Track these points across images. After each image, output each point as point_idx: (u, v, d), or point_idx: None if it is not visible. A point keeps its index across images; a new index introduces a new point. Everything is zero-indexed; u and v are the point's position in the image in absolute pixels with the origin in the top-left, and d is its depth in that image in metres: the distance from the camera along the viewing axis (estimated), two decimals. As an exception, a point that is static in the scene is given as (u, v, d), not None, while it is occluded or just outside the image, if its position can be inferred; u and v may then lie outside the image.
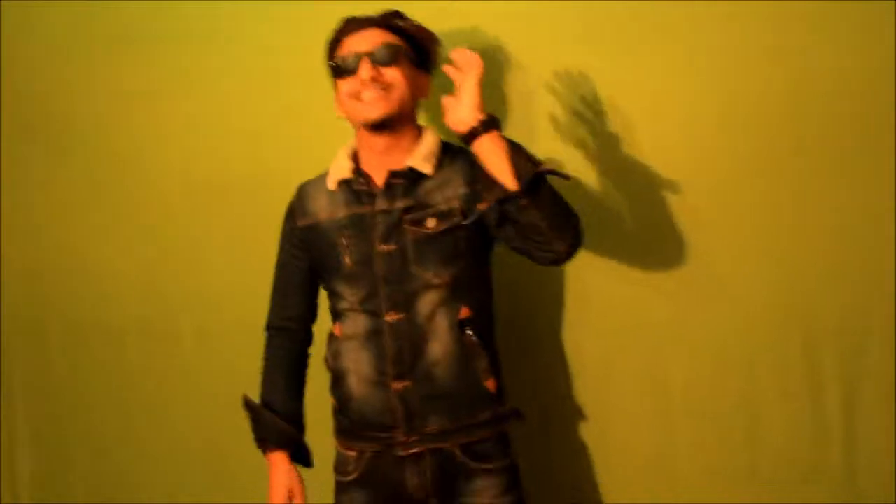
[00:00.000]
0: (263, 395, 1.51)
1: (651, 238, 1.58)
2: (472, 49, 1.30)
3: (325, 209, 1.43)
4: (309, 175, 1.51)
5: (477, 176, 1.31)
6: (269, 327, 1.54)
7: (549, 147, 1.56)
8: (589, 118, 1.56)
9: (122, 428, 1.97)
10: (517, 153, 1.26)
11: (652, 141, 1.55)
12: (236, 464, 1.79)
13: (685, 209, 1.54)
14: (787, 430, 1.53)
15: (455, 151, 1.42)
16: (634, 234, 1.59)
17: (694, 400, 1.57)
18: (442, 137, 1.43)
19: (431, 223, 1.35)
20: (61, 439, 2.04)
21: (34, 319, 2.04)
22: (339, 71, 1.38)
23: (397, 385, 1.34)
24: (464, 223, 1.34)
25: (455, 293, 1.36)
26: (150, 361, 1.94)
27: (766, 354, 1.53)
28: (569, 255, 1.30)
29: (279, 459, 1.47)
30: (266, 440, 1.47)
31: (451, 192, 1.37)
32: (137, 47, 1.88)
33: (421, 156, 1.38)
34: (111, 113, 1.93)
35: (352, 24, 1.40)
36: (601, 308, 1.60)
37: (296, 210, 1.48)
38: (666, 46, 1.54)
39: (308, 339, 1.55)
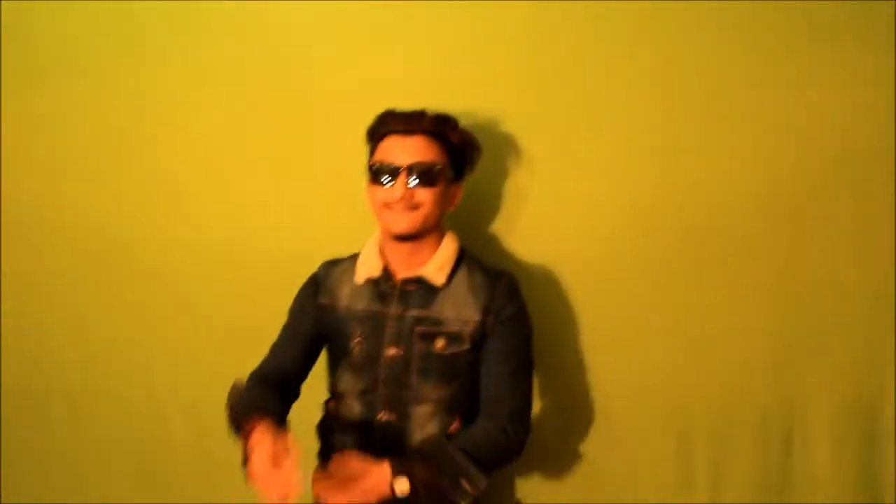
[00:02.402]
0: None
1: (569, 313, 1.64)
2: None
3: (346, 297, 1.47)
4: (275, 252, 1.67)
5: (492, 307, 1.39)
6: (252, 376, 1.46)
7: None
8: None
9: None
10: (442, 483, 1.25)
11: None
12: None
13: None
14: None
15: (475, 265, 1.46)
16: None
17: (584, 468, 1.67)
18: (462, 245, 1.47)
19: (440, 343, 1.40)
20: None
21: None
22: (375, 177, 1.40)
23: None
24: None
25: (449, 406, 1.42)
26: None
27: (647, 439, 1.63)
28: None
29: (261, 426, 1.22)
30: (247, 414, 1.28)
31: (465, 313, 1.40)
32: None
33: (434, 266, 1.42)
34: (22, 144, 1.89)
35: (398, 123, 1.40)
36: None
37: (320, 285, 1.51)
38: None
39: (295, 392, 1.49)
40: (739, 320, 1.59)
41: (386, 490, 1.25)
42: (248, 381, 1.45)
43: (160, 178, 1.84)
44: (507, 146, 1.63)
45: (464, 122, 1.47)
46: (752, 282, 1.57)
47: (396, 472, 1.25)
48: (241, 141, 1.77)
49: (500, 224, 1.67)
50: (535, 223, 1.65)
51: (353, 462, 1.31)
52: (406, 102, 1.44)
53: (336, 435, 1.47)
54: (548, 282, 1.64)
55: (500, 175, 1.65)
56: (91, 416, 1.92)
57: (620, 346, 1.64)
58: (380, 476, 1.26)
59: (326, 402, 1.53)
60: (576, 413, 1.67)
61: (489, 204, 1.67)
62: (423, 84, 1.64)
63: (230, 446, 1.32)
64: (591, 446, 1.68)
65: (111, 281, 1.89)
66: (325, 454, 1.49)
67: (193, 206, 1.82)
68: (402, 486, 1.25)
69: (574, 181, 1.62)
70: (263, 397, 1.39)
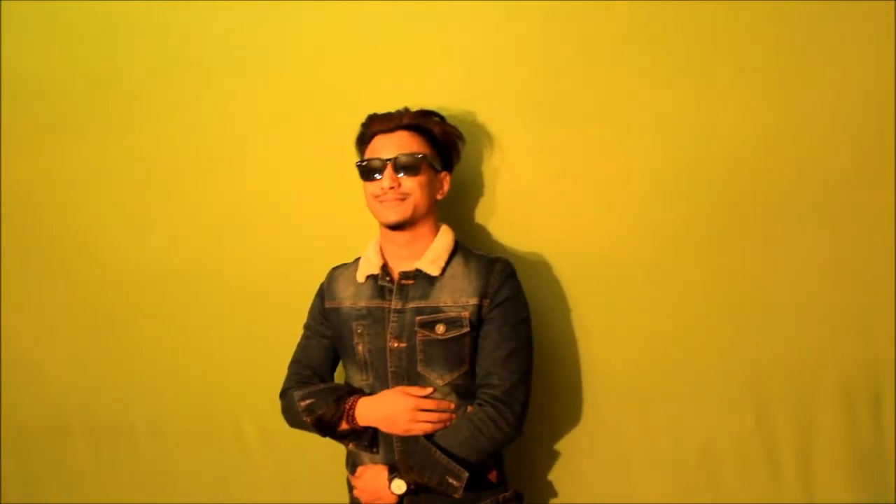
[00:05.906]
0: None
1: (613, 300, 1.64)
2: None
3: (349, 297, 1.54)
4: (259, 274, 1.83)
5: (488, 291, 1.44)
6: (285, 390, 1.59)
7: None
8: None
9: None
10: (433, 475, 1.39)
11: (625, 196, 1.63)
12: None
13: (646, 272, 1.62)
14: (746, 490, 1.61)
15: (470, 255, 1.52)
16: (595, 298, 1.65)
17: (653, 454, 1.66)
18: (457, 238, 1.54)
19: (440, 329, 1.45)
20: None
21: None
22: (365, 174, 1.50)
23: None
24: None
25: (460, 392, 1.46)
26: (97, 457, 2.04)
27: (722, 419, 1.61)
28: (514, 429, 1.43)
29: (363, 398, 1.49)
30: (341, 396, 1.48)
31: (462, 299, 1.45)
32: (87, 130, 1.95)
33: (429, 258, 1.49)
34: (61, 200, 1.99)
35: (380, 124, 1.51)
36: (561, 362, 1.66)
37: (325, 292, 1.60)
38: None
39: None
40: (815, 284, 1.56)
41: (387, 492, 1.44)
42: (293, 390, 1.56)
43: (214, 216, 1.92)
44: (494, 140, 1.69)
45: (457, 116, 1.60)
46: (823, 244, 1.55)
47: (391, 477, 1.43)
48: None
49: (498, 219, 1.72)
50: (532, 216, 1.69)
51: (367, 469, 1.49)
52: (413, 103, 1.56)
53: (359, 436, 1.50)
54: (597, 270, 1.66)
55: (492, 169, 1.70)
56: (174, 440, 1.99)
57: (687, 324, 1.63)
58: (380, 480, 1.45)
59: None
60: (645, 399, 1.66)
61: (487, 200, 1.72)
62: (425, 86, 1.70)
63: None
64: (667, 430, 1.65)
65: (173, 315, 1.97)
66: (351, 462, 1.55)
67: (253, 241, 1.89)
68: (399, 488, 1.43)
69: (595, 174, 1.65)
70: (329, 385, 1.55)
